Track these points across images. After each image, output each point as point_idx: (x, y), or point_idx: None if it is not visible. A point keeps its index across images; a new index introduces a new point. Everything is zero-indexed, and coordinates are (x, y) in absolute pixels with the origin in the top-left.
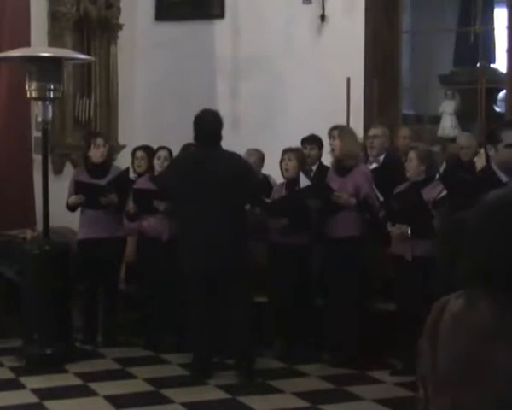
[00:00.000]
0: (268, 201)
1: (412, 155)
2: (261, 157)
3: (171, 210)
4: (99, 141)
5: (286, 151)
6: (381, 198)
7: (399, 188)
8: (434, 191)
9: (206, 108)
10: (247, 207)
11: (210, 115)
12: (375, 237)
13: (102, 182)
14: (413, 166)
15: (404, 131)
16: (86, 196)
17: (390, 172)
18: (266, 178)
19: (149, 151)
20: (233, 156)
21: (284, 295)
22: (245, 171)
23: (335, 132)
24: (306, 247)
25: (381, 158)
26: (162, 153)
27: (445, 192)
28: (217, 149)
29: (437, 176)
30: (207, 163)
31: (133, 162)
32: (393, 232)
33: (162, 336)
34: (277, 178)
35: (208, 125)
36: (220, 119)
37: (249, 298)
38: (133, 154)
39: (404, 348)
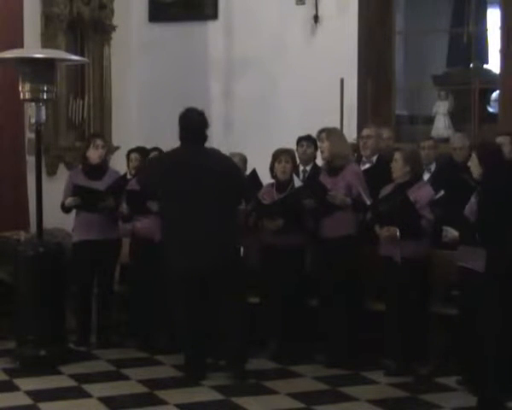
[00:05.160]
0: (265, 202)
1: (397, 156)
2: (243, 160)
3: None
4: (98, 142)
5: (281, 152)
6: (368, 202)
7: (385, 190)
8: (420, 192)
9: (191, 106)
10: (242, 206)
11: (195, 114)
12: (368, 237)
13: (100, 184)
14: (398, 167)
15: (384, 132)
16: (84, 200)
17: (383, 172)
18: (255, 173)
19: (143, 153)
20: (217, 154)
21: (278, 296)
22: (230, 168)
23: (323, 135)
24: (300, 247)
25: (374, 158)
26: (154, 155)
27: (442, 193)
28: (201, 147)
29: (426, 176)
30: (192, 162)
31: (128, 164)
32: (382, 235)
33: (156, 336)
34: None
35: (194, 123)
36: (205, 118)
37: (242, 298)
38: (128, 156)
39: (396, 349)
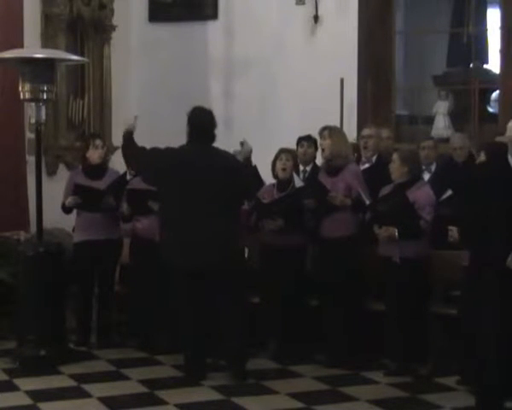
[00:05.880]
0: (264, 201)
1: (395, 156)
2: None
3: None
4: (98, 142)
5: (283, 151)
6: (367, 202)
7: (384, 190)
8: (419, 192)
9: (200, 105)
10: (246, 206)
11: (204, 113)
12: (368, 237)
13: (100, 184)
14: (396, 167)
15: (384, 132)
16: (85, 199)
17: (382, 172)
18: (255, 170)
19: None
20: (223, 154)
21: (278, 296)
22: (236, 167)
23: (326, 133)
24: (300, 247)
25: (374, 158)
26: None
27: (449, 192)
28: (208, 146)
29: (427, 176)
30: (198, 161)
31: None
32: (381, 235)
33: (156, 336)
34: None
35: (204, 122)
36: (214, 117)
37: (242, 298)
38: None
39: (396, 349)
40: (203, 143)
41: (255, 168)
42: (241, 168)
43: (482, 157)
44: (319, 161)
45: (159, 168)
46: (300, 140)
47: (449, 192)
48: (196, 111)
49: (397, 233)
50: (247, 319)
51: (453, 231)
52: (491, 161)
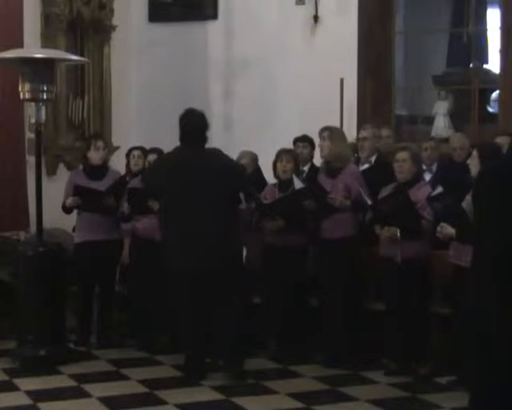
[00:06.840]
0: (266, 202)
1: (406, 155)
2: (254, 158)
3: (159, 209)
4: (99, 143)
5: (283, 152)
6: (369, 202)
7: (385, 190)
8: (420, 192)
9: (191, 107)
10: (243, 205)
11: (195, 115)
12: (368, 238)
13: (100, 185)
14: (407, 166)
15: (383, 132)
16: (85, 200)
17: (382, 172)
18: (259, 170)
19: (144, 152)
20: (216, 155)
21: (278, 296)
22: (229, 168)
23: (326, 134)
24: (301, 248)
25: (373, 159)
26: (152, 157)
27: (440, 189)
28: (201, 148)
29: (428, 176)
30: (192, 163)
31: (129, 162)
32: (383, 235)
33: (156, 337)
34: (269, 178)
35: (194, 125)
36: (206, 119)
37: (238, 299)
38: (129, 153)
39: (396, 349)
40: (196, 144)
41: (259, 168)
42: (234, 167)
43: (474, 156)
44: (317, 160)
45: (157, 173)
46: (296, 141)
47: (439, 189)
48: (188, 113)
49: (399, 233)
50: (242, 320)
51: (443, 228)
52: (483, 161)
